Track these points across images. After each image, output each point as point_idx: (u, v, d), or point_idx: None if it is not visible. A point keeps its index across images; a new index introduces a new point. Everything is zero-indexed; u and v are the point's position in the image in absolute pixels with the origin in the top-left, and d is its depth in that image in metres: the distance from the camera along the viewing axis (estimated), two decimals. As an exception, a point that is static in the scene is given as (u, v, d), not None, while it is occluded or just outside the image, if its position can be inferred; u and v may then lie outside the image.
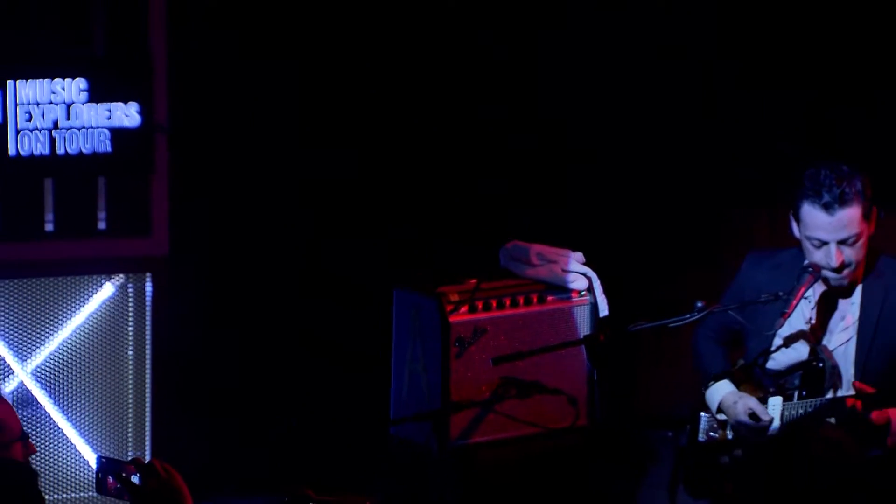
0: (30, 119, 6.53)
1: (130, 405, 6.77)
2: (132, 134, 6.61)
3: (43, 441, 6.62)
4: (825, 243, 5.24)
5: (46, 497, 5.60)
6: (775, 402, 5.39)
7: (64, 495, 6.70)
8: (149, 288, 6.75)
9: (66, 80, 6.54)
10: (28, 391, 6.66)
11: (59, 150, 6.56)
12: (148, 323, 6.74)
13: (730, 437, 5.50)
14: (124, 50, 6.64)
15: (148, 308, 6.74)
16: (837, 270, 5.26)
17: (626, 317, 5.88)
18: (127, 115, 6.60)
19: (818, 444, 3.69)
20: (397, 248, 7.20)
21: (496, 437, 6.53)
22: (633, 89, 7.31)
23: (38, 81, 6.51)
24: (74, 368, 6.71)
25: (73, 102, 6.56)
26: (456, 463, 6.41)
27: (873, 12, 7.09)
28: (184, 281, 6.91)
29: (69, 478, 6.72)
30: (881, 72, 7.11)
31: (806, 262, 5.32)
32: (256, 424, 7.13)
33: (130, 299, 6.74)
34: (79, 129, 6.57)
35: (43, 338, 6.68)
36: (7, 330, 6.64)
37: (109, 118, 6.59)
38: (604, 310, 6.70)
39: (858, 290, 5.36)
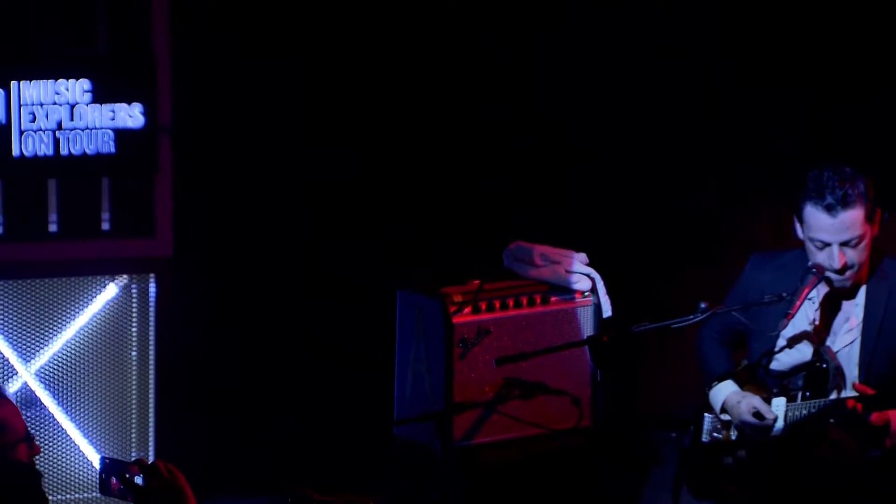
0: (34, 120, 6.53)
1: (134, 406, 6.77)
2: (136, 135, 6.61)
3: (46, 441, 6.62)
4: (828, 245, 5.24)
5: (50, 497, 5.61)
6: (779, 403, 5.39)
7: (67, 496, 6.71)
8: (152, 288, 6.75)
9: (70, 80, 6.55)
10: (32, 392, 6.66)
11: (63, 151, 6.56)
12: (151, 323, 6.75)
13: (733, 437, 5.50)
14: (128, 51, 6.64)
15: (151, 309, 6.74)
16: (840, 272, 5.26)
17: (629, 318, 5.88)
18: (131, 115, 6.61)
19: (823, 445, 3.69)
20: (400, 248, 7.20)
21: (500, 438, 6.53)
22: (634, 89, 7.31)
23: (41, 82, 6.52)
24: (78, 369, 6.72)
25: (77, 103, 6.57)
26: (459, 464, 6.40)
27: (873, 12, 7.09)
28: (187, 281, 6.91)
29: (73, 478, 6.72)
30: (883, 72, 7.10)
31: (810, 263, 5.32)
32: (259, 425, 7.13)
33: (134, 300, 6.74)
34: (82, 130, 6.58)
35: (47, 338, 6.68)
36: (11, 330, 6.65)
37: (113, 119, 6.59)
38: (607, 311, 6.69)
39: (862, 291, 5.36)
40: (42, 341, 6.68)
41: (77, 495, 6.72)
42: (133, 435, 6.78)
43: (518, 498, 6.51)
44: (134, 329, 6.76)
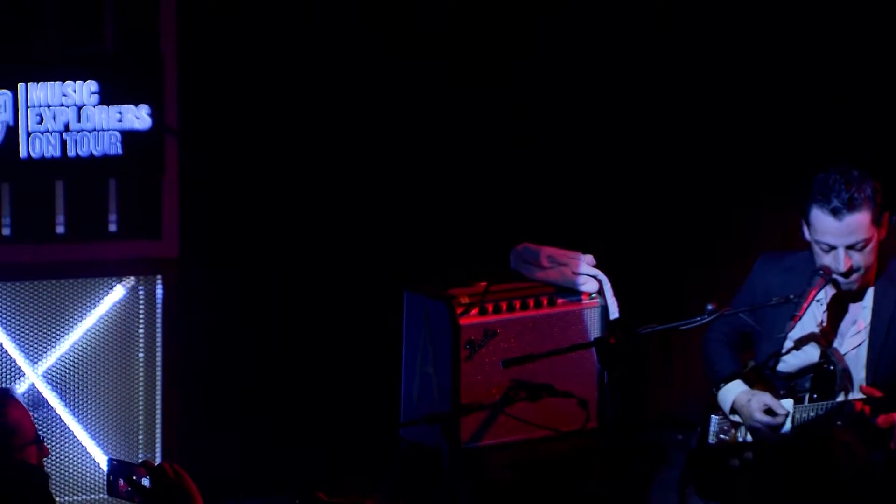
0: (41, 121, 6.54)
1: (141, 407, 6.78)
2: (143, 136, 6.62)
3: (54, 443, 6.62)
4: (834, 248, 5.24)
5: (57, 499, 5.62)
6: (786, 405, 5.39)
7: (75, 497, 6.71)
8: (159, 290, 6.76)
9: (77, 82, 6.55)
10: (39, 393, 6.67)
11: (70, 153, 6.57)
12: (158, 325, 6.75)
13: (740, 439, 5.50)
14: (135, 52, 6.65)
15: (158, 310, 6.75)
16: (846, 275, 5.25)
17: (636, 319, 5.88)
18: (138, 117, 6.61)
19: (831, 447, 3.68)
20: (407, 250, 7.20)
21: (507, 440, 6.53)
22: (640, 89, 7.30)
23: (49, 84, 6.52)
24: (85, 370, 6.72)
25: (84, 105, 6.57)
26: (466, 466, 6.40)
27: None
28: (194, 283, 6.91)
29: (80, 480, 6.73)
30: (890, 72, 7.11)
31: (816, 265, 5.31)
32: (267, 426, 7.13)
33: (141, 301, 6.75)
34: (90, 132, 6.59)
35: (54, 340, 6.69)
36: (18, 332, 6.65)
37: (120, 120, 6.60)
38: (614, 312, 6.69)
39: (870, 293, 5.35)
40: (49, 343, 6.69)
41: (84, 497, 6.72)
42: (140, 436, 6.78)
43: (525, 500, 6.51)
44: (141, 330, 6.76)
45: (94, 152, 6.60)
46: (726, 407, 5.48)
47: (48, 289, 6.67)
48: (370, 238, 7.22)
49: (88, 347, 6.72)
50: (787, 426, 5.32)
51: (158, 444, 6.77)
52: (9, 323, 6.64)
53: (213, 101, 6.99)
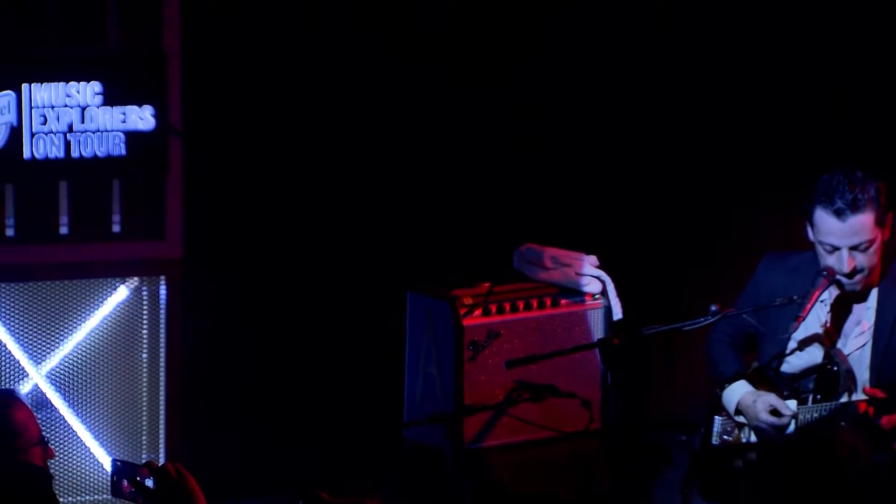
0: (45, 122, 6.55)
1: (144, 408, 6.78)
2: (146, 137, 6.62)
3: (58, 443, 6.63)
4: (837, 248, 5.24)
5: (61, 499, 5.62)
6: (790, 406, 5.38)
7: (78, 498, 6.72)
8: (163, 291, 6.76)
9: (81, 83, 6.56)
10: (43, 394, 6.67)
11: (74, 154, 6.57)
12: (162, 326, 6.76)
13: (744, 440, 5.50)
14: (139, 53, 6.65)
15: (162, 311, 6.75)
16: (849, 276, 5.25)
17: (640, 320, 5.88)
18: (141, 118, 6.62)
19: (836, 448, 3.68)
20: (411, 250, 7.20)
21: (510, 441, 6.53)
22: (643, 90, 7.30)
23: (52, 85, 6.53)
24: (89, 371, 6.73)
25: (88, 106, 6.57)
26: (469, 466, 6.40)
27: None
28: (198, 283, 6.92)
29: (84, 480, 6.73)
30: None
31: (820, 265, 5.31)
32: (270, 427, 7.13)
33: (145, 302, 6.75)
34: (93, 133, 6.59)
35: (57, 341, 6.69)
36: (22, 333, 6.66)
37: (124, 121, 6.60)
38: (618, 313, 6.69)
39: (874, 294, 5.35)
40: (53, 343, 6.69)
41: (88, 497, 6.73)
42: (143, 437, 6.78)
43: (528, 501, 6.51)
44: (144, 331, 6.77)
45: (98, 153, 6.60)
46: (731, 408, 5.48)
47: (52, 290, 6.67)
48: (373, 239, 7.22)
49: (92, 348, 6.72)
50: (791, 427, 5.32)
51: (162, 445, 6.77)
52: (12, 324, 6.64)
53: (216, 101, 6.99)
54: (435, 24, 7.18)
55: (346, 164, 7.22)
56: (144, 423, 6.78)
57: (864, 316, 5.36)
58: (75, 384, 6.72)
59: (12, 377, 6.64)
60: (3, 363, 6.63)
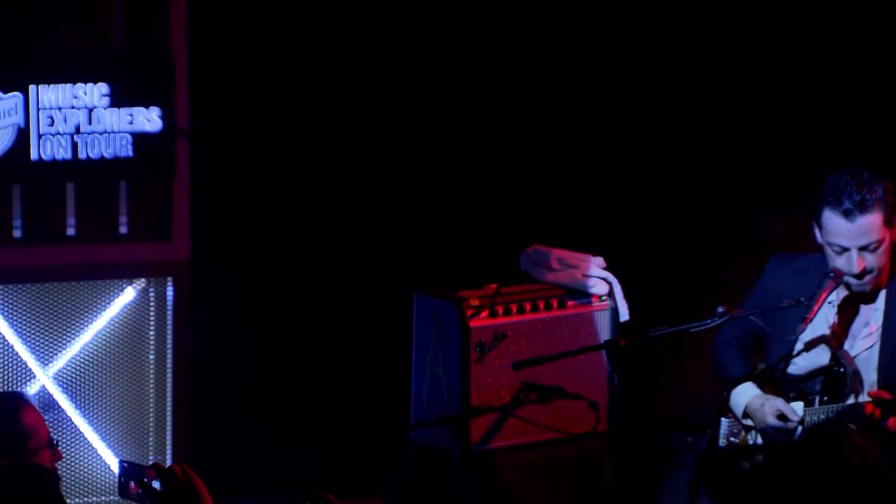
0: (52, 124, 6.55)
1: (152, 409, 6.79)
2: (154, 138, 6.63)
3: (65, 445, 6.63)
4: (846, 250, 5.23)
5: (69, 501, 5.63)
6: (796, 408, 5.38)
7: (86, 499, 6.72)
8: (170, 292, 6.76)
9: (88, 84, 6.56)
10: (50, 395, 6.68)
11: (81, 155, 6.58)
12: (169, 327, 6.76)
13: (750, 442, 5.49)
14: (146, 55, 6.66)
15: (169, 312, 6.75)
16: (859, 277, 5.25)
17: (646, 322, 5.88)
18: (149, 119, 6.62)
19: (846, 450, 3.68)
20: (418, 252, 7.20)
21: (517, 442, 6.53)
22: (643, 90, 7.30)
23: (60, 86, 6.53)
24: (96, 372, 6.73)
25: (95, 107, 6.58)
26: (476, 467, 6.40)
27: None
28: (205, 285, 6.92)
29: (91, 481, 6.74)
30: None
31: (828, 267, 5.30)
32: (277, 428, 7.13)
33: (152, 303, 6.76)
34: (101, 134, 6.60)
35: (65, 342, 6.70)
36: (29, 334, 6.66)
37: (131, 123, 6.61)
38: (624, 315, 6.69)
39: (882, 295, 5.34)
40: (60, 345, 6.70)
41: (95, 499, 6.73)
42: (150, 438, 6.79)
43: (535, 502, 6.51)
44: (151, 332, 6.77)
45: (105, 154, 6.61)
46: (739, 411, 5.47)
47: (59, 291, 6.68)
48: (380, 240, 7.22)
49: (99, 349, 6.73)
50: (799, 431, 5.32)
51: (169, 446, 6.78)
52: (20, 325, 6.65)
53: (223, 103, 6.99)
54: (435, 24, 7.17)
55: (352, 165, 7.22)
56: (151, 424, 6.78)
57: (872, 317, 5.35)
58: (82, 385, 6.72)
59: (20, 378, 6.65)
60: (10, 364, 6.64)
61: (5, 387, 6.61)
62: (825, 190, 5.26)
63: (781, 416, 5.34)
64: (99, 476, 6.74)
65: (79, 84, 6.55)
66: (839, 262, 5.26)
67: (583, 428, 6.53)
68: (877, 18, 7.07)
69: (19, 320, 6.64)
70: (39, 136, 6.54)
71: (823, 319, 5.36)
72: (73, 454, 6.69)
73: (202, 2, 6.83)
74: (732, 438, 5.54)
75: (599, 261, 6.77)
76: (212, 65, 6.90)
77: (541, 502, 6.52)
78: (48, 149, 6.55)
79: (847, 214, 5.20)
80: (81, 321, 6.70)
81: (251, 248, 7.15)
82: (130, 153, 6.61)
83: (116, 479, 4.31)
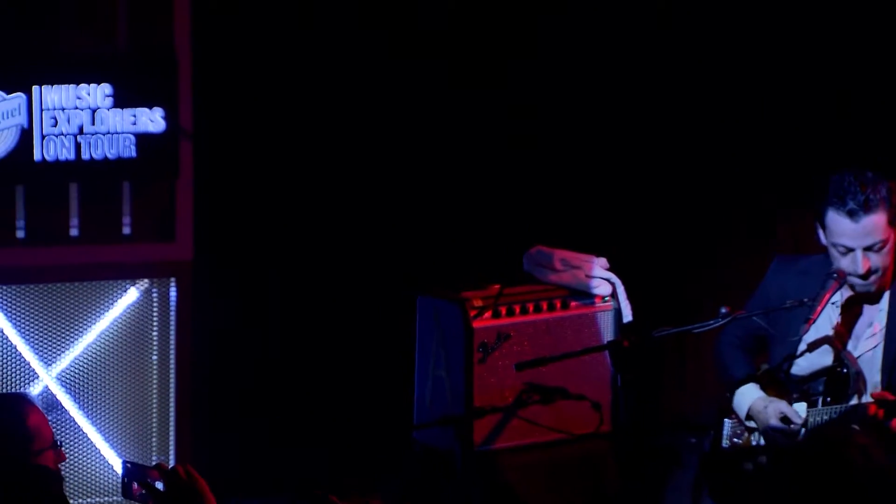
0: (55, 124, 6.55)
1: (155, 410, 6.79)
2: (157, 139, 6.63)
3: (68, 445, 6.63)
4: (851, 250, 5.23)
5: (72, 501, 5.63)
6: (799, 408, 5.38)
7: (89, 500, 6.72)
8: (173, 293, 6.76)
9: (92, 85, 6.56)
10: (53, 396, 6.68)
11: (85, 156, 6.58)
12: (172, 327, 6.76)
13: (754, 443, 5.49)
14: (149, 55, 6.66)
15: (172, 313, 6.76)
16: (864, 277, 5.24)
17: (650, 322, 5.87)
18: (152, 120, 6.62)
19: (850, 451, 3.67)
20: (420, 253, 7.20)
21: (520, 443, 6.53)
22: (644, 90, 7.29)
23: (63, 87, 6.53)
24: (99, 373, 6.73)
25: (99, 108, 6.58)
26: (479, 468, 6.40)
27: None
28: (208, 286, 6.92)
29: (94, 482, 6.74)
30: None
31: (832, 268, 5.30)
32: (280, 429, 7.14)
33: (155, 304, 6.76)
34: (104, 135, 6.60)
35: (68, 342, 6.70)
36: (32, 334, 6.66)
37: (134, 123, 6.61)
38: (627, 315, 6.69)
39: (886, 296, 5.34)
40: (63, 345, 6.70)
41: (98, 499, 6.73)
42: (153, 439, 6.79)
43: (538, 503, 6.51)
44: (154, 333, 6.77)
45: (109, 155, 6.61)
46: (742, 413, 5.47)
47: (62, 291, 6.68)
48: (383, 241, 7.22)
49: (102, 350, 6.73)
50: (802, 433, 5.32)
51: (172, 447, 6.78)
52: (23, 325, 6.65)
53: (227, 103, 7.00)
54: (435, 24, 7.18)
55: (355, 165, 7.22)
56: (154, 424, 6.78)
57: (876, 318, 5.35)
58: (86, 386, 6.72)
59: (23, 379, 6.65)
60: (13, 365, 6.64)
61: (9, 387, 6.61)
62: (829, 190, 5.25)
63: (785, 419, 5.33)
64: (102, 476, 6.74)
65: (82, 85, 6.55)
66: (844, 263, 5.25)
67: (586, 429, 6.53)
68: (877, 18, 7.06)
69: (22, 321, 6.64)
70: (43, 137, 6.54)
71: (827, 320, 5.36)
72: (76, 454, 6.69)
73: (205, 2, 6.83)
74: (735, 439, 5.53)
75: (602, 261, 6.77)
76: (215, 65, 6.90)
77: (544, 503, 6.51)
78: (51, 149, 6.55)
79: (851, 215, 5.20)
80: (84, 322, 6.70)
81: (254, 249, 7.15)
82: (134, 154, 6.61)
83: (119, 480, 4.31)
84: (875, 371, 5.33)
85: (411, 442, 6.68)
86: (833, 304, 5.34)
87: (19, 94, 6.51)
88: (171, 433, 6.77)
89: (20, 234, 6.67)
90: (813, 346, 5.38)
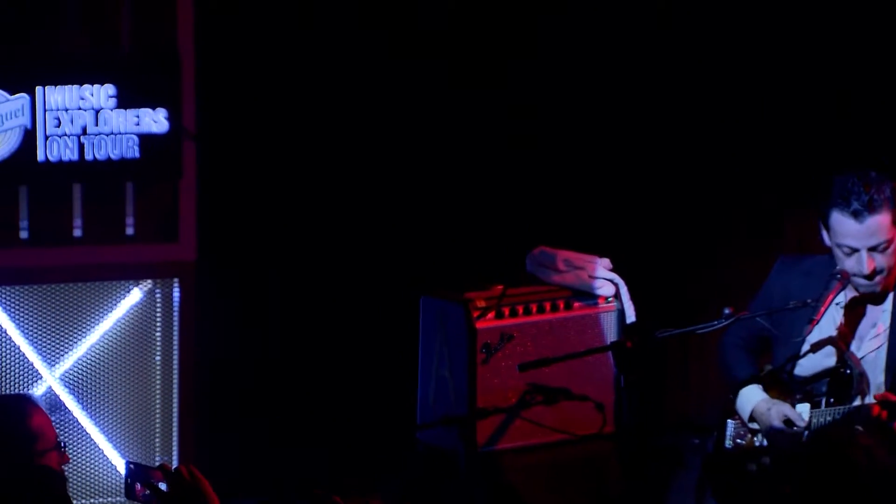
0: (58, 125, 6.56)
1: (158, 410, 6.79)
2: (160, 140, 6.63)
3: (71, 446, 6.63)
4: (856, 251, 5.23)
5: (75, 502, 5.62)
6: (803, 409, 5.37)
7: (92, 500, 6.72)
8: (176, 293, 6.77)
9: (95, 86, 6.57)
10: (56, 396, 6.68)
11: (88, 156, 6.59)
12: (175, 328, 6.76)
13: (757, 444, 5.49)
14: (152, 56, 6.66)
15: (175, 313, 6.76)
16: (869, 277, 5.24)
17: (653, 323, 5.87)
18: (155, 120, 6.62)
19: (854, 452, 3.68)
20: (424, 254, 7.20)
21: (523, 444, 6.53)
22: (647, 89, 7.29)
23: (66, 87, 6.54)
24: (102, 373, 6.74)
25: (102, 108, 6.58)
26: (483, 469, 6.40)
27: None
28: (211, 286, 6.92)
29: (97, 483, 6.74)
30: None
31: (836, 268, 5.30)
32: (283, 430, 7.14)
33: (158, 304, 6.76)
34: (107, 135, 6.60)
35: (71, 343, 6.70)
36: (36, 335, 6.67)
37: (138, 124, 6.61)
38: (631, 316, 6.69)
39: (890, 297, 5.34)
40: (66, 346, 6.70)
41: (102, 500, 6.74)
42: (157, 439, 6.79)
43: (541, 503, 6.51)
44: (158, 333, 6.77)
45: (112, 156, 6.61)
46: (745, 415, 5.47)
47: (65, 292, 6.68)
48: (386, 242, 7.22)
49: (105, 350, 6.73)
50: (805, 436, 5.31)
51: (175, 447, 6.78)
52: (26, 326, 6.65)
53: (230, 104, 7.00)
54: (435, 24, 7.18)
55: (359, 166, 7.22)
56: (158, 425, 6.78)
57: (880, 318, 5.34)
58: (89, 386, 6.72)
59: (26, 379, 6.65)
60: (16, 365, 6.65)
61: (12, 388, 6.61)
62: (832, 191, 5.25)
63: (788, 422, 5.33)
64: (105, 477, 6.75)
65: (85, 85, 6.56)
66: (849, 264, 5.25)
67: (589, 429, 6.53)
68: (877, 18, 7.05)
69: (26, 321, 6.65)
70: (46, 138, 6.54)
71: (830, 321, 5.36)
72: (79, 455, 6.69)
73: (209, 2, 6.83)
74: (739, 440, 5.53)
75: (606, 262, 6.77)
76: (219, 66, 6.90)
77: (547, 504, 6.52)
78: (55, 150, 6.56)
79: (856, 215, 5.20)
80: (88, 322, 6.70)
81: (258, 250, 7.15)
82: (137, 154, 6.61)
83: (123, 481, 4.31)
84: (879, 372, 5.33)
85: (415, 442, 6.68)
86: (837, 304, 5.34)
87: (23, 94, 6.51)
88: (175, 434, 6.77)
89: (24, 234, 6.68)
90: (816, 347, 5.37)
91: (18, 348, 6.65)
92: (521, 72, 7.26)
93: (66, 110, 6.55)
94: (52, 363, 6.69)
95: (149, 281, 6.75)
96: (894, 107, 7.02)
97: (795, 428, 5.31)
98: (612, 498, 6.59)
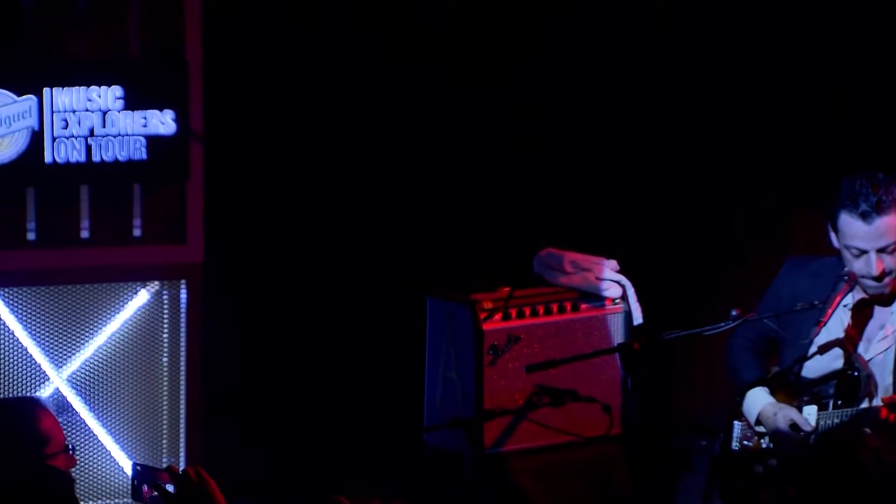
0: (66, 126, 6.56)
1: (165, 412, 6.79)
2: (167, 141, 6.63)
3: (78, 447, 6.64)
4: (864, 252, 5.22)
5: (81, 503, 5.63)
6: (810, 412, 5.37)
7: (99, 502, 6.73)
8: (183, 295, 6.77)
9: (103, 87, 6.57)
10: (64, 398, 6.69)
11: (95, 158, 6.59)
12: (182, 329, 6.77)
13: (764, 446, 5.49)
14: (160, 58, 6.67)
15: (182, 315, 6.76)
16: (878, 279, 5.24)
17: (660, 325, 5.87)
18: (163, 122, 6.63)
19: (862, 454, 3.68)
20: (431, 255, 7.20)
21: (530, 446, 6.53)
22: (647, 89, 7.29)
23: (74, 89, 6.54)
24: (110, 375, 6.74)
25: (109, 110, 6.59)
26: (490, 471, 6.40)
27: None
28: (218, 288, 6.93)
29: (105, 484, 6.75)
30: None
31: (845, 270, 5.30)
32: (290, 431, 7.14)
33: (165, 306, 6.77)
34: (114, 137, 6.60)
35: (78, 344, 6.71)
36: (43, 336, 6.67)
37: (145, 126, 6.62)
38: (638, 318, 6.69)
39: (898, 298, 5.35)
40: (74, 347, 6.71)
41: (109, 501, 6.74)
42: (164, 440, 6.80)
43: (548, 505, 6.51)
44: (165, 335, 6.78)
45: (119, 157, 6.62)
46: (751, 418, 5.46)
47: (73, 293, 6.69)
48: (393, 244, 7.23)
49: (113, 352, 6.74)
50: (812, 439, 5.31)
51: (182, 448, 6.78)
52: (33, 327, 6.66)
53: (237, 105, 7.01)
54: (435, 24, 7.18)
55: (366, 168, 7.23)
56: (165, 426, 6.79)
57: (889, 320, 5.34)
58: (96, 388, 6.73)
59: (33, 381, 6.66)
60: (24, 367, 6.65)
61: (19, 389, 6.62)
62: (840, 193, 5.25)
63: (794, 426, 5.33)
64: (113, 479, 6.75)
65: (93, 87, 6.56)
66: (857, 266, 5.25)
67: (596, 431, 6.53)
68: (877, 18, 7.05)
69: (33, 323, 6.65)
70: (53, 139, 6.55)
71: (838, 323, 5.35)
72: (86, 456, 6.70)
73: (216, 4, 6.83)
74: (746, 442, 5.53)
75: (613, 264, 6.77)
76: (226, 68, 6.91)
77: (554, 506, 6.52)
78: (62, 151, 6.56)
79: (864, 217, 5.19)
80: (95, 324, 6.71)
81: (265, 251, 7.16)
82: (144, 156, 6.62)
83: (130, 482, 4.31)
84: (887, 374, 5.33)
85: (421, 444, 6.68)
86: (844, 306, 5.33)
87: (30, 96, 6.51)
88: (182, 435, 6.78)
89: (31, 236, 6.68)
90: (823, 349, 5.37)
91: (26, 349, 6.65)
92: (521, 72, 7.26)
93: (74, 112, 6.55)
94: (60, 365, 6.70)
95: (156, 282, 6.75)
96: (894, 107, 7.02)
97: (802, 433, 5.31)
98: (618, 499, 6.58)
